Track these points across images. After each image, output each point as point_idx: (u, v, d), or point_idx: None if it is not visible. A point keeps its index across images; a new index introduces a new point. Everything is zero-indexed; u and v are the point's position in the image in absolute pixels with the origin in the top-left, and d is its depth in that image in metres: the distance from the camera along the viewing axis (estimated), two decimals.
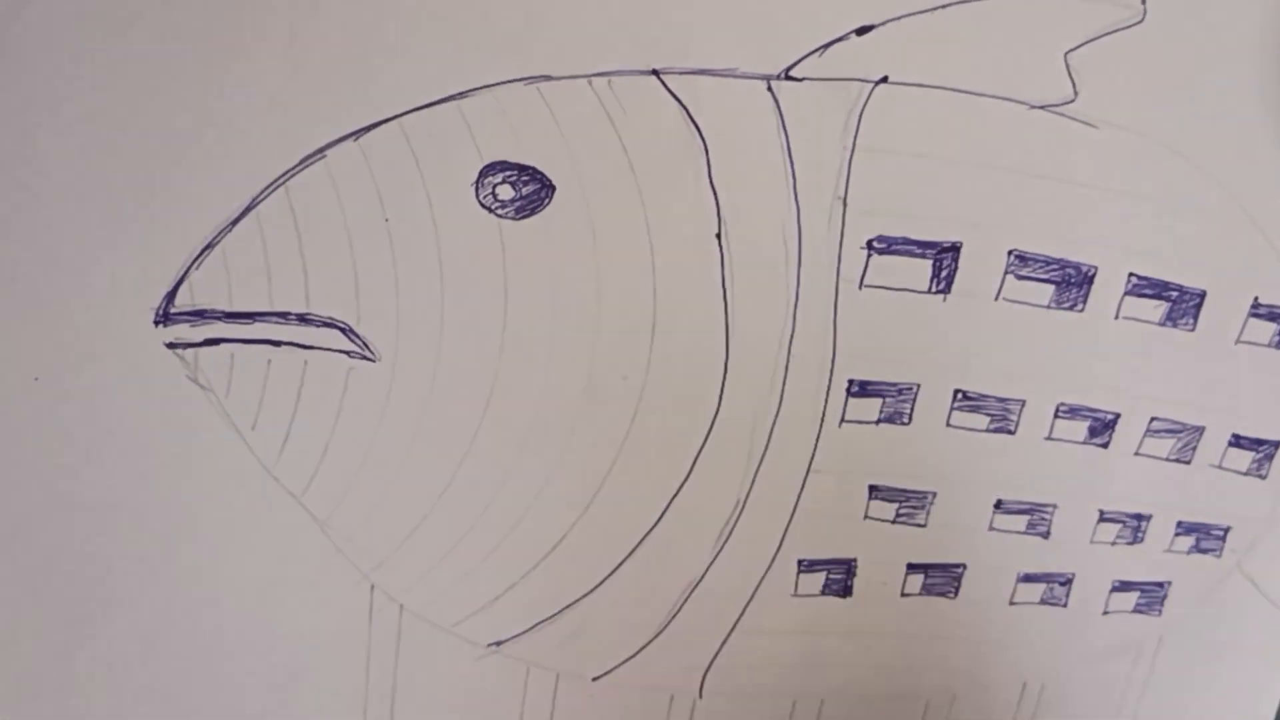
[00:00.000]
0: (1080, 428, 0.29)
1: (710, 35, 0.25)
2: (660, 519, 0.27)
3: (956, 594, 0.30)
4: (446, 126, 0.24)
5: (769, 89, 0.25)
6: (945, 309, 0.27)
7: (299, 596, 0.25)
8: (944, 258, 0.27)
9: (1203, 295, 0.29)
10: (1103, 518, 0.30)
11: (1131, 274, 0.28)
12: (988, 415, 0.29)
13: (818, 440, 0.27)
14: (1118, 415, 0.29)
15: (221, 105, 0.23)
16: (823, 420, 0.27)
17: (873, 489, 0.28)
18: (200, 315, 0.23)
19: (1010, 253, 0.27)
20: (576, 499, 0.26)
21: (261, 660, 0.25)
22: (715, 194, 0.26)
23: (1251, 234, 0.29)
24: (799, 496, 0.28)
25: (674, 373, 0.26)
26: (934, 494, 0.29)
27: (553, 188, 0.25)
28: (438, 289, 0.25)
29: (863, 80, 0.26)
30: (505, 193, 0.24)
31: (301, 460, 0.25)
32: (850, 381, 0.27)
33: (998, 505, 0.29)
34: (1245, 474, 0.31)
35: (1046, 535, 0.30)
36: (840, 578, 0.29)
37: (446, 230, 0.24)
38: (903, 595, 0.29)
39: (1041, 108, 0.27)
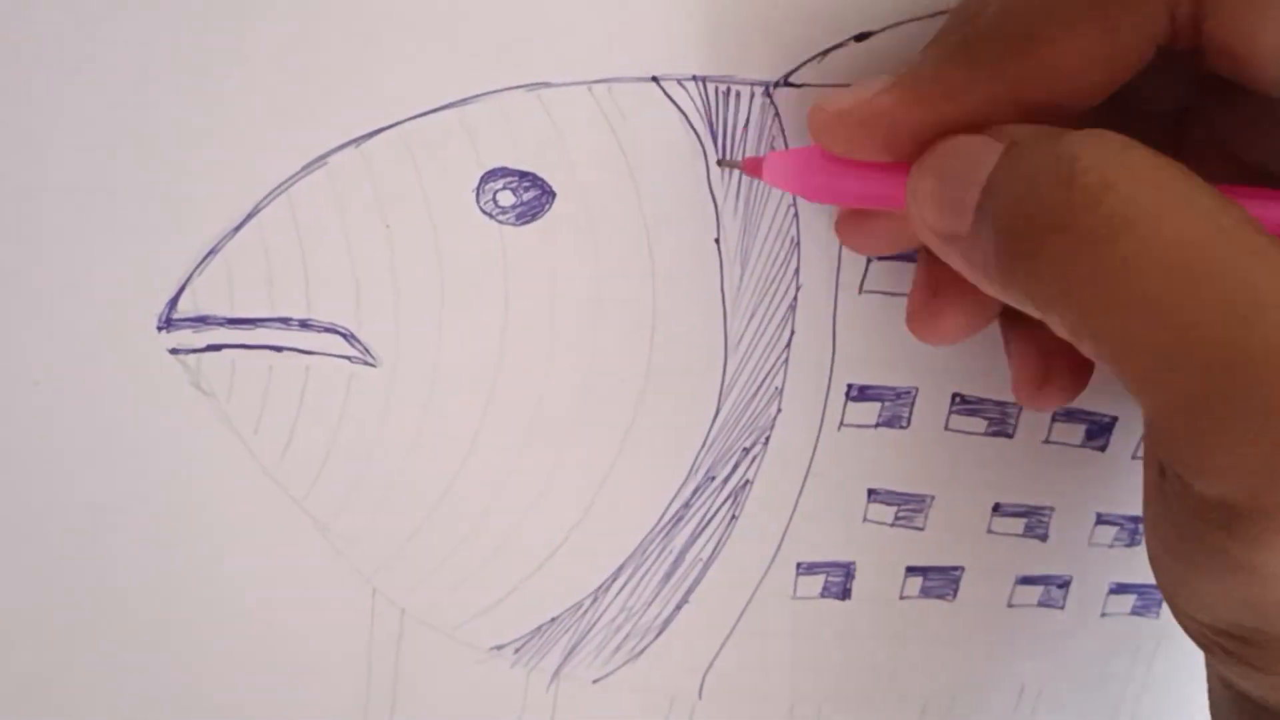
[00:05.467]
0: (1078, 430, 0.29)
1: (710, 42, 0.25)
2: (659, 522, 0.27)
3: (955, 596, 0.30)
4: (447, 133, 0.24)
5: (768, 95, 0.25)
6: None
7: (300, 600, 0.25)
8: None
9: None
10: (1100, 520, 0.31)
11: None
12: (986, 419, 0.29)
13: (816, 443, 0.28)
14: (1115, 418, 0.30)
15: (223, 112, 0.23)
16: (821, 423, 0.27)
17: (871, 492, 0.28)
18: (202, 321, 0.24)
19: None
20: (576, 503, 0.26)
21: (262, 664, 0.25)
22: (714, 199, 0.26)
23: None
24: (798, 499, 0.28)
25: (673, 376, 0.26)
26: (932, 497, 0.29)
27: (553, 194, 0.25)
28: (438, 295, 0.25)
29: None
30: (506, 199, 0.25)
31: (303, 465, 0.25)
32: (849, 385, 0.27)
33: (996, 508, 0.30)
34: None
35: (1044, 538, 0.30)
36: (839, 580, 0.29)
37: (447, 236, 0.24)
38: (901, 598, 0.29)
39: None
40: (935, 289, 0.24)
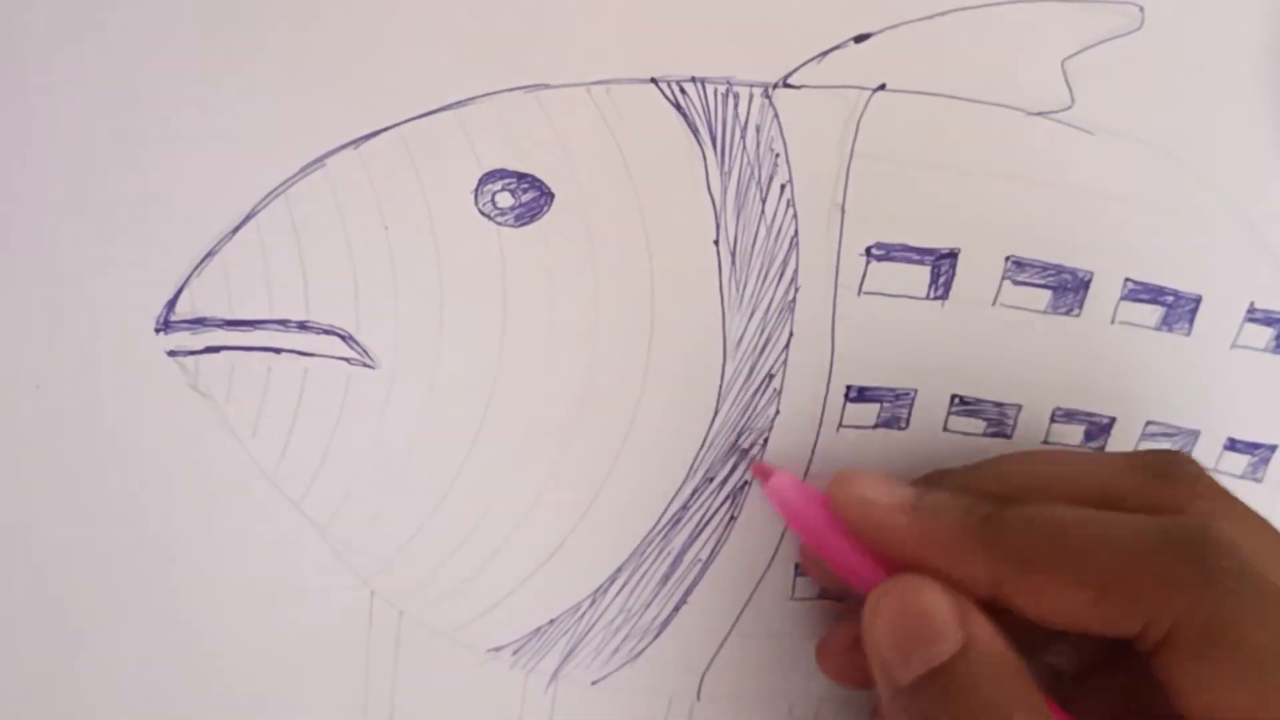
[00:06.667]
0: (1077, 431, 0.29)
1: (708, 43, 0.25)
2: (657, 523, 0.27)
3: None
4: (446, 135, 0.24)
5: (767, 96, 0.25)
6: (943, 315, 0.28)
7: (298, 603, 0.25)
8: (942, 264, 0.27)
9: (1198, 300, 0.29)
10: None
11: (1127, 279, 0.29)
12: (985, 420, 0.29)
13: (815, 444, 0.28)
14: (1113, 419, 0.30)
15: (221, 114, 0.23)
16: (820, 424, 0.27)
17: None
18: (200, 323, 0.24)
19: (1007, 258, 0.28)
20: (575, 504, 0.26)
21: (260, 667, 0.25)
22: (713, 201, 0.26)
23: (1247, 239, 0.29)
24: None
25: (672, 378, 0.26)
26: None
27: (551, 195, 0.25)
28: (437, 296, 0.25)
29: (860, 88, 0.26)
30: (504, 200, 0.25)
31: (301, 467, 0.25)
32: (848, 387, 0.27)
33: None
34: (1241, 477, 0.31)
35: None
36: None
37: (445, 238, 0.24)
38: None
39: (1039, 114, 0.27)
40: (856, 643, 0.25)
